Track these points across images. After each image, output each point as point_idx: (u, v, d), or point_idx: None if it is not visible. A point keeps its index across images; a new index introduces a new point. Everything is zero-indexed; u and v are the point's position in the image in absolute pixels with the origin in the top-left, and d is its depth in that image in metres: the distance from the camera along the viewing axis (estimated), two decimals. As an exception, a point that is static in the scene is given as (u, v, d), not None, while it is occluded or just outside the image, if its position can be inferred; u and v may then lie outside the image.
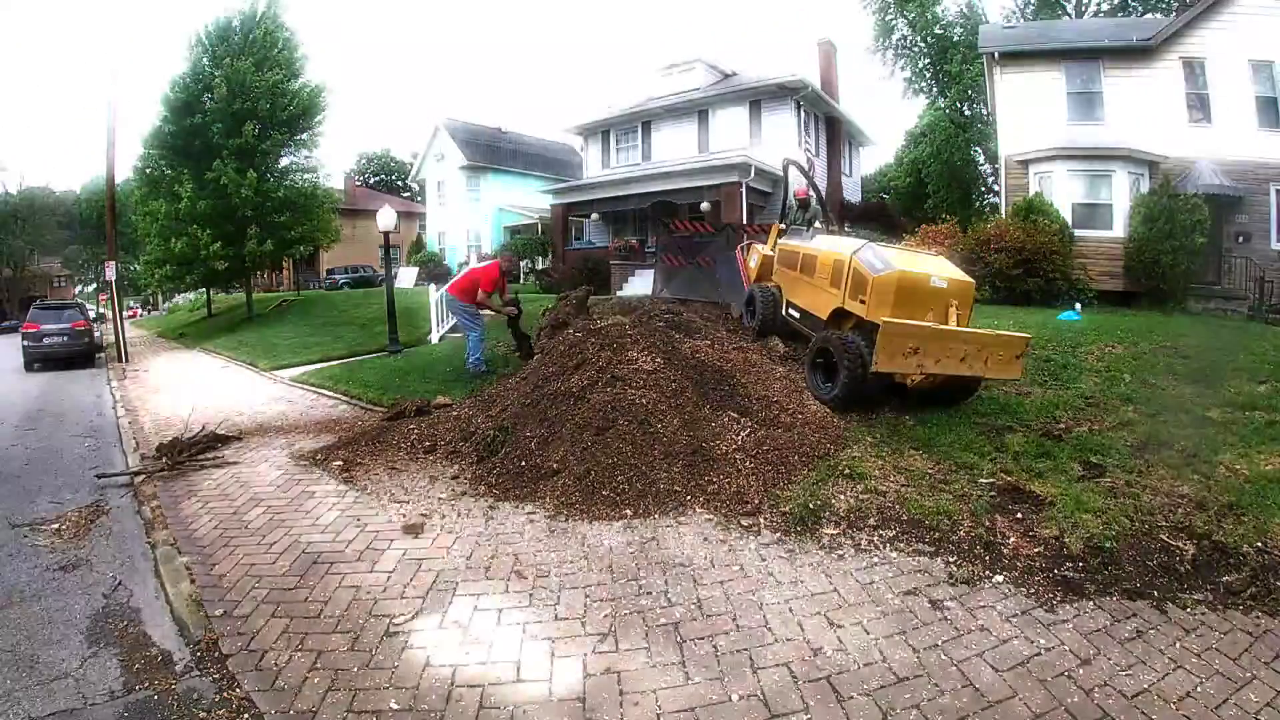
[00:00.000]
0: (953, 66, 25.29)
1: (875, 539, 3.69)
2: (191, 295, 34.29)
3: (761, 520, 3.93)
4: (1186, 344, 7.78)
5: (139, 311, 43.44)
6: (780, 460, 4.55)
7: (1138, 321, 9.79)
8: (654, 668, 2.66)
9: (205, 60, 19.80)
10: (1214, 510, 3.75)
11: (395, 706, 2.48)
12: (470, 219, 29.98)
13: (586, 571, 3.46)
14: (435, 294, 12.88)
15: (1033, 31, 16.71)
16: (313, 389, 9.42)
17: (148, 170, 20.47)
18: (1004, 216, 14.35)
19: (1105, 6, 26.54)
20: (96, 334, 17.61)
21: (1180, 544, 3.47)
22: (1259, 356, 7.20)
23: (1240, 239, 13.36)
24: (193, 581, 3.53)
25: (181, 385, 11.10)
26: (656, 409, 4.97)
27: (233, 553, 3.88)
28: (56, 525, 4.57)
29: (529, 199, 28.01)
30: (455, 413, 6.15)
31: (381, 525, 4.17)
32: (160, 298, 44.67)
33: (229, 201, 18.10)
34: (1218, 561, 3.37)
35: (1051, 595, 3.16)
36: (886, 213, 22.49)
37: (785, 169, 8.89)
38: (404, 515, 4.29)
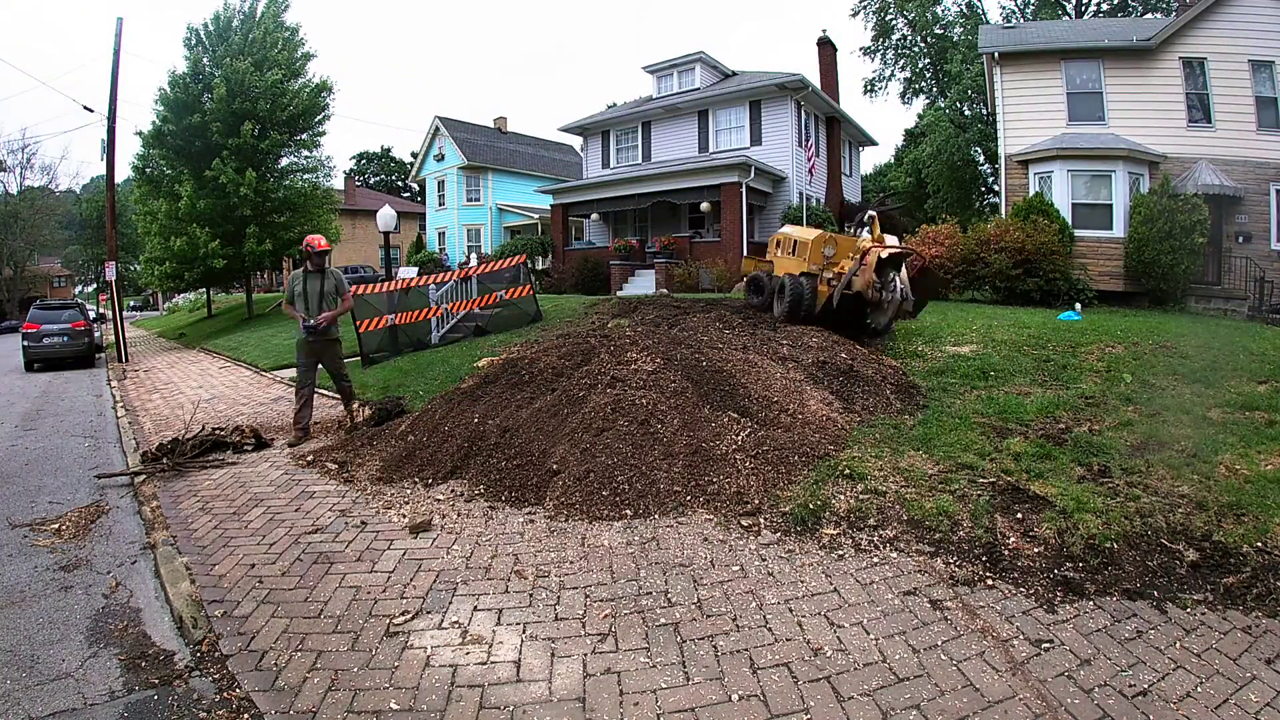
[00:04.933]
0: (953, 66, 25.29)
1: (875, 539, 3.69)
2: (191, 295, 34.31)
3: (761, 520, 3.93)
4: (1186, 344, 7.78)
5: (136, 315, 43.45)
6: (780, 460, 4.55)
7: (1138, 321, 9.79)
8: (654, 668, 2.66)
9: (205, 60, 19.84)
10: (1214, 510, 3.75)
11: (395, 706, 2.48)
12: (470, 219, 30.00)
13: (586, 572, 3.46)
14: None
15: (1033, 31, 16.68)
16: (313, 389, 9.40)
17: (147, 170, 20.50)
18: (1004, 216, 14.35)
19: (1105, 6, 26.56)
20: (96, 334, 17.63)
21: (1180, 544, 3.47)
22: (1259, 356, 7.19)
23: (1240, 239, 13.36)
24: (193, 581, 3.53)
25: (182, 385, 11.11)
26: (656, 409, 4.97)
27: (233, 553, 3.88)
28: (56, 525, 4.57)
29: (529, 199, 28.02)
30: (455, 413, 6.14)
31: (381, 525, 4.17)
32: (160, 298, 44.67)
33: (228, 201, 18.11)
34: (1218, 562, 3.37)
35: (1051, 595, 3.17)
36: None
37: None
38: (404, 515, 4.30)
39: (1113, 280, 13.31)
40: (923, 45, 29.19)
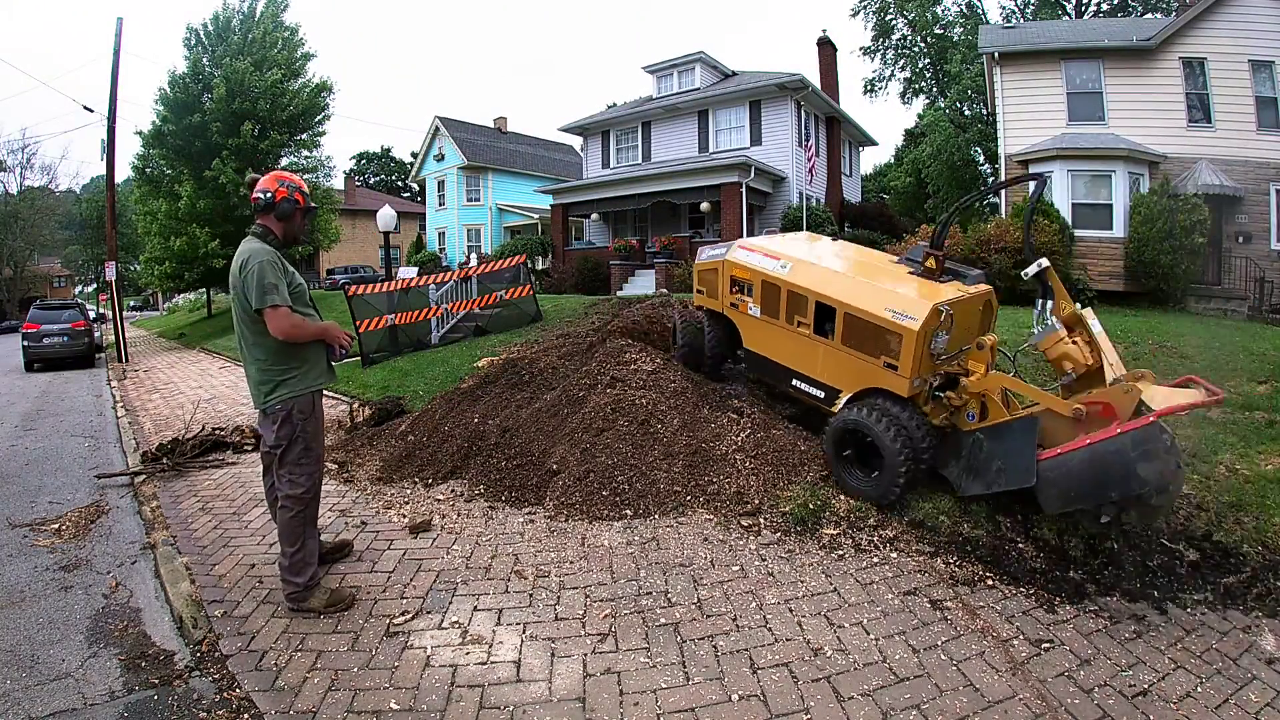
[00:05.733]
0: (953, 66, 25.29)
1: (875, 539, 3.70)
2: (191, 295, 34.32)
3: (761, 520, 3.93)
4: (1186, 344, 7.77)
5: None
6: (780, 460, 4.55)
7: (1137, 322, 9.78)
8: (654, 668, 2.66)
9: (205, 60, 19.83)
10: (1214, 510, 3.75)
11: (395, 706, 2.48)
12: (470, 219, 30.00)
13: (586, 572, 3.46)
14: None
15: (1033, 31, 16.67)
16: (313, 389, 9.40)
17: (147, 170, 20.49)
18: (1004, 217, 14.35)
19: (1105, 6, 26.56)
20: (96, 334, 17.63)
21: (1180, 544, 3.47)
22: (1259, 357, 7.19)
23: (1240, 239, 13.36)
24: (193, 581, 3.53)
25: (181, 385, 11.11)
26: (656, 409, 4.97)
27: (233, 553, 3.88)
28: (56, 525, 4.57)
29: (529, 199, 28.02)
30: (455, 413, 6.14)
31: (381, 525, 4.17)
32: (160, 298, 44.65)
33: (228, 201, 18.11)
34: (1218, 562, 3.37)
35: (1052, 595, 3.17)
36: (886, 213, 22.50)
37: None
38: (404, 515, 4.30)
39: (1113, 280, 13.30)
40: (923, 45, 29.21)
